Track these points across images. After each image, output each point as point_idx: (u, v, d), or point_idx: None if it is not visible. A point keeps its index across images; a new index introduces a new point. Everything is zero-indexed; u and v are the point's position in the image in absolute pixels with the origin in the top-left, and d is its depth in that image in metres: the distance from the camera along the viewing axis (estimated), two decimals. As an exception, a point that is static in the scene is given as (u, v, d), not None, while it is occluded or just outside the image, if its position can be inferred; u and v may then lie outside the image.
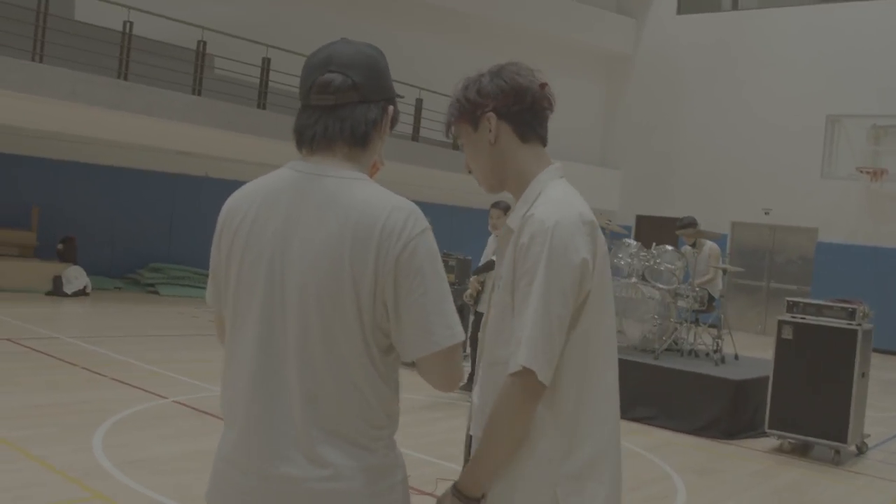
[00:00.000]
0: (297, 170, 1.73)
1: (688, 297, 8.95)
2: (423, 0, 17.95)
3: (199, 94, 13.64)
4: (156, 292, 14.78)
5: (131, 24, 12.90)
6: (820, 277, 18.07)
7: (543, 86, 1.98)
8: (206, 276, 14.96)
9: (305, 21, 16.09)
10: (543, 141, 2.01)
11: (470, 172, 2.04)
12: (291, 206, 1.69)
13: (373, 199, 1.66)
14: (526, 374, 1.74)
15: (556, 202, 1.86)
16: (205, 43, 13.79)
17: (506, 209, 7.47)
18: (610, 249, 9.59)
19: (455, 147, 12.67)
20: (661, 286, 9.08)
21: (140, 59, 13.01)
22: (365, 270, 1.61)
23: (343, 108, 1.72)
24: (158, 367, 8.33)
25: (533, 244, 1.79)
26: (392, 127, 1.83)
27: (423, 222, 1.67)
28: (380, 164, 1.86)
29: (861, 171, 17.25)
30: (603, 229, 9.85)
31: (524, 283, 1.79)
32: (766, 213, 19.01)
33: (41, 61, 12.06)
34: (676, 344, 8.95)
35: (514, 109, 1.94)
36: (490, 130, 1.95)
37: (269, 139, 13.20)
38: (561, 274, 1.77)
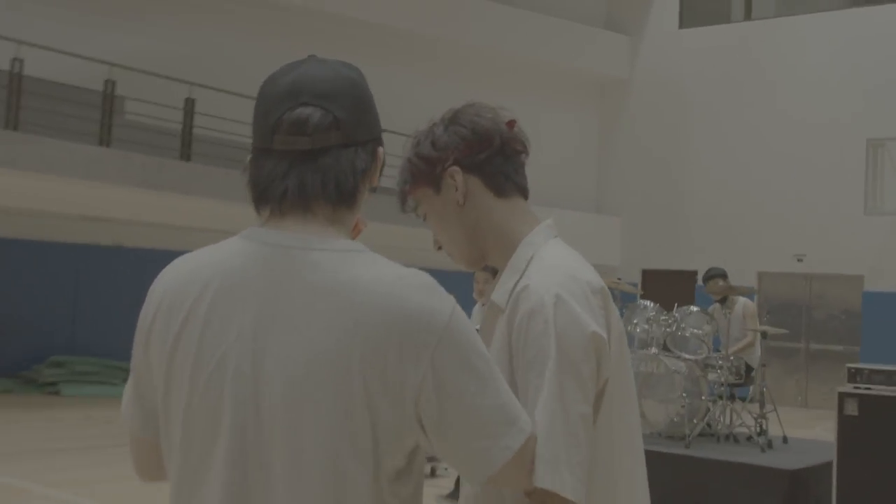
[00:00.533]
0: (264, 241, 1.58)
1: (721, 368, 8.74)
2: (380, 24, 17.98)
3: (108, 144, 13.46)
4: (57, 392, 14.31)
5: (21, 62, 12.76)
6: (870, 335, 17.92)
7: (512, 124, 1.98)
8: (120, 368, 14.36)
9: (236, 53, 15.97)
10: (524, 192, 2.01)
11: (440, 248, 2.03)
12: (265, 296, 1.53)
13: (386, 279, 1.53)
14: (548, 496, 1.65)
15: (555, 268, 1.84)
16: (113, 83, 13.67)
17: (494, 272, 7.24)
18: (622, 314, 9.44)
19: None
20: (687, 356, 8.95)
21: (33, 105, 12.81)
22: (387, 384, 1.47)
23: (324, 154, 1.60)
24: (64, 492, 7.95)
25: (533, 325, 1.76)
26: (380, 175, 1.74)
27: (449, 298, 1.56)
28: (361, 224, 1.73)
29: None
30: (612, 291, 9.78)
31: (533, 375, 1.73)
32: (798, 260, 18.98)
33: None
34: (710, 427, 8.69)
35: (480, 158, 1.94)
36: (456, 189, 1.93)
37: (197, 197, 12.98)
38: (575, 361, 1.73)
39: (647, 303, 9.51)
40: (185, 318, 1.55)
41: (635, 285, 18.88)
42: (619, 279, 9.77)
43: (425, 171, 1.95)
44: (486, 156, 1.94)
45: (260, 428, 1.49)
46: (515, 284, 1.85)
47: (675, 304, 9.53)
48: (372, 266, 1.54)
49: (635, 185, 21.32)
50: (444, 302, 1.54)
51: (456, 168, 1.93)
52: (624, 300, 9.88)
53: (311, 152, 1.59)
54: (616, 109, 21.96)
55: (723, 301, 9.38)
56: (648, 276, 20.60)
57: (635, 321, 9.24)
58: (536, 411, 1.68)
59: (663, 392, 8.70)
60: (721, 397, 8.82)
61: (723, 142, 20.08)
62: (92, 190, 13.16)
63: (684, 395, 8.58)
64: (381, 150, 1.70)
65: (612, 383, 1.81)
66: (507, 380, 1.71)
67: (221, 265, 1.58)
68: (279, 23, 16.98)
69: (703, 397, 8.70)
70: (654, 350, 9.01)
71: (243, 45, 15.99)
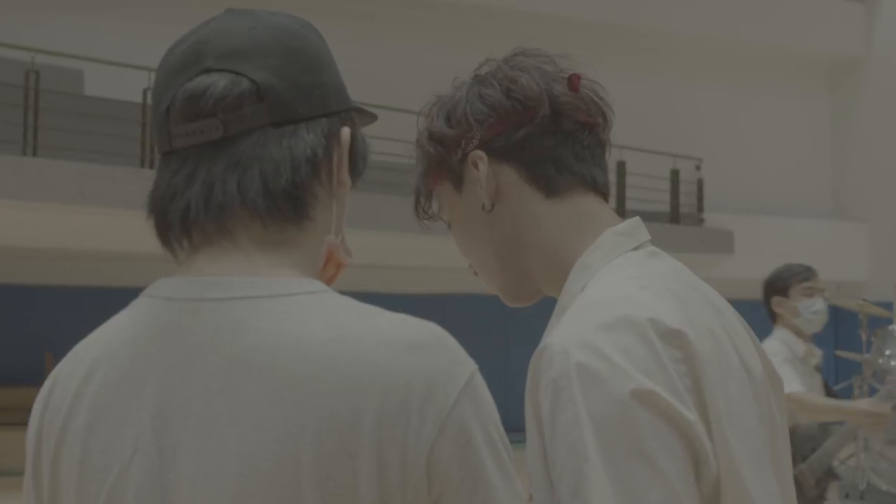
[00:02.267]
0: (166, 297, 1.28)
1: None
2: (587, 20, 18.04)
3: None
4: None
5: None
6: None
7: (576, 81, 1.59)
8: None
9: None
10: (594, 186, 1.62)
11: (477, 274, 1.73)
12: (166, 384, 1.23)
13: (353, 334, 1.20)
14: None
15: (599, 304, 1.42)
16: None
17: None
18: (870, 345, 8.76)
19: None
20: None
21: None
22: (357, 497, 1.16)
23: (239, 141, 1.28)
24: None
25: (558, 408, 1.34)
26: (358, 173, 1.42)
27: (464, 365, 1.22)
28: (340, 255, 1.40)
29: None
30: (857, 316, 9.01)
31: (567, 496, 1.32)
32: None
33: (35, 154, 12.24)
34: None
35: (519, 136, 1.58)
36: (481, 185, 1.59)
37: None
38: (634, 445, 1.30)
39: None
40: (60, 432, 1.29)
41: (889, 307, 17.90)
42: (864, 300, 8.90)
43: (439, 159, 1.63)
44: (525, 133, 1.57)
45: None
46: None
47: None
48: (333, 316, 1.23)
49: (881, 183, 20.32)
50: (453, 367, 1.22)
51: (481, 154, 1.58)
52: (872, 326, 9.01)
53: (224, 141, 1.28)
54: (851, 94, 21.21)
55: None
56: None
57: (888, 352, 8.36)
58: None
59: None
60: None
61: None
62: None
63: (978, 454, 7.97)
64: (345, 130, 1.37)
65: (736, 484, 1.37)
66: (544, 484, 1.43)
67: (109, 344, 1.31)
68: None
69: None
70: None
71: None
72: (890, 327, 8.78)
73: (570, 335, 1.40)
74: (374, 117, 1.51)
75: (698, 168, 17.94)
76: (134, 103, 12.83)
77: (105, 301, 14.76)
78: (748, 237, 17.18)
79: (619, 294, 1.46)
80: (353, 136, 1.40)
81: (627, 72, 17.30)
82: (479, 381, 1.25)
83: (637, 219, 1.60)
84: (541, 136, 1.60)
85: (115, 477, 1.24)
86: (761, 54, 19.97)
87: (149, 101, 12.35)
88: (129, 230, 11.87)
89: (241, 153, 1.30)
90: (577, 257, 1.58)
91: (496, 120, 1.60)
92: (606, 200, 1.65)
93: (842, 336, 11.59)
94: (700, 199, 17.74)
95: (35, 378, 13.48)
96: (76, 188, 11.58)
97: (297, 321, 1.23)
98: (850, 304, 8.73)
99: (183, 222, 1.31)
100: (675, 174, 17.20)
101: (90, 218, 12.10)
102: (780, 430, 1.52)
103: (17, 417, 13.12)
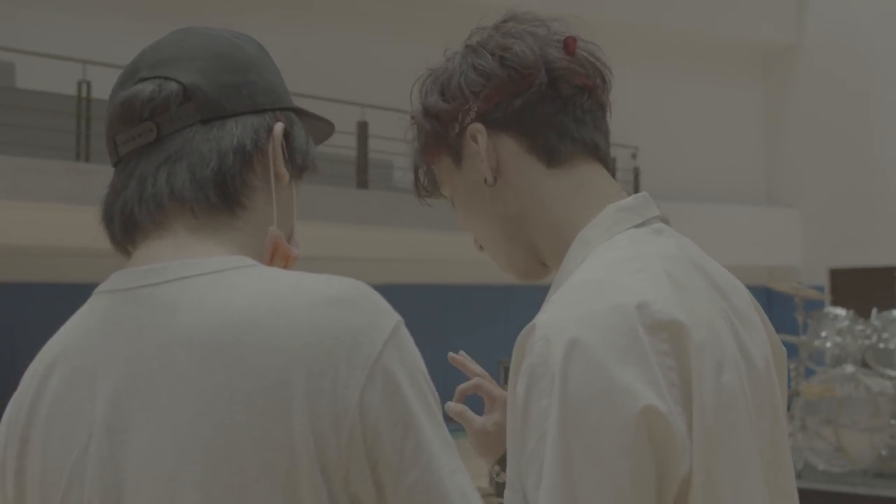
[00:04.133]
0: (109, 290, 1.35)
1: None
2: (531, 8, 18.15)
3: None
4: None
5: (88, 83, 12.93)
6: None
7: (571, 44, 1.54)
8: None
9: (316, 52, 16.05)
10: (597, 154, 1.58)
11: (482, 248, 1.69)
12: (114, 368, 1.29)
13: (277, 297, 1.24)
14: None
15: (587, 289, 1.37)
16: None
17: None
18: (806, 327, 9.14)
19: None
20: (893, 374, 8.83)
21: (104, 132, 12.85)
22: (294, 453, 1.19)
23: (171, 138, 1.35)
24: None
25: (534, 396, 1.31)
26: (300, 166, 1.47)
27: (387, 315, 1.26)
28: (289, 249, 1.45)
29: None
30: (792, 298, 9.41)
31: (530, 485, 1.31)
32: None
33: None
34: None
35: (517, 105, 1.53)
36: (481, 159, 1.54)
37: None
38: (598, 454, 1.26)
39: (838, 310, 9.48)
40: (24, 428, 1.35)
41: (821, 289, 18.43)
42: (799, 283, 9.37)
43: (435, 134, 1.58)
44: (523, 101, 1.52)
45: None
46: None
47: (874, 310, 9.30)
48: (256, 283, 1.26)
49: (814, 170, 20.76)
50: (376, 317, 1.25)
51: (479, 126, 1.53)
52: (807, 309, 9.66)
53: (157, 142, 1.36)
54: (784, 82, 21.54)
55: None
56: (837, 276, 19.99)
57: (824, 334, 9.26)
58: None
59: (866, 419, 8.61)
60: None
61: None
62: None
63: (893, 421, 8.47)
64: (279, 125, 1.42)
65: (699, 482, 1.30)
66: (520, 483, 1.39)
67: (65, 339, 1.37)
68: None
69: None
70: (850, 368, 8.85)
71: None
72: (825, 310, 9.26)
73: (555, 320, 1.37)
74: (329, 125, 1.57)
75: (634, 157, 18.33)
76: (68, 96, 12.85)
77: (34, 295, 14.74)
78: (684, 224, 17.14)
79: (612, 278, 1.41)
80: (289, 133, 1.45)
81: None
82: (405, 332, 1.28)
83: (644, 194, 1.58)
84: (539, 103, 1.55)
85: (74, 462, 1.30)
86: (695, 43, 20.26)
87: (83, 94, 12.26)
88: (64, 224, 11.95)
89: (171, 149, 1.36)
90: (578, 231, 1.54)
91: (492, 90, 1.56)
92: (608, 167, 1.62)
93: (777, 319, 11.94)
94: (636, 187, 17.99)
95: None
96: (9, 182, 11.55)
97: (224, 294, 1.28)
98: (785, 288, 9.19)
99: (122, 219, 1.38)
100: (611, 162, 17.44)
101: (23, 213, 12.14)
102: (781, 418, 1.49)
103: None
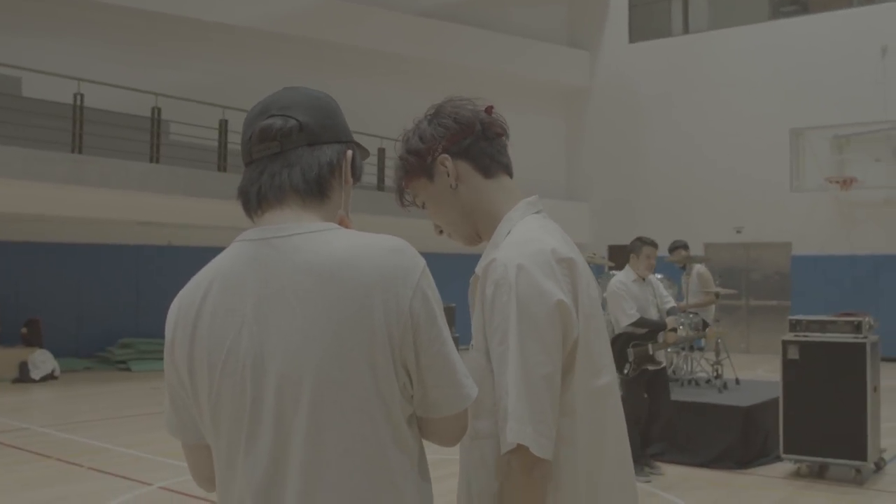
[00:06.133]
0: (251, 239, 1.46)
1: (683, 324, 8.68)
2: (380, 50, 17.89)
3: (157, 161, 13.31)
4: (127, 369, 14.27)
5: (82, 95, 12.61)
6: (799, 291, 17.98)
7: (490, 109, 1.82)
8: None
9: (260, 79, 15.77)
10: (509, 171, 1.83)
11: (441, 232, 1.87)
12: (259, 284, 1.40)
13: (358, 247, 1.40)
14: (521, 450, 1.53)
15: (523, 242, 1.66)
16: (159, 109, 13.50)
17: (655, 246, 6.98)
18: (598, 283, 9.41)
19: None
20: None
21: (93, 131, 12.68)
22: (375, 335, 1.35)
23: (290, 153, 1.49)
24: (138, 451, 7.85)
25: (498, 295, 1.60)
26: (356, 177, 1.58)
27: (421, 259, 1.43)
28: (348, 222, 1.56)
29: (830, 182, 17.24)
30: (589, 263, 9.85)
31: (496, 343, 1.58)
32: (738, 232, 18.90)
33: None
34: (675, 374, 8.68)
35: (466, 143, 1.77)
36: (448, 174, 1.77)
37: (232, 201, 12.67)
38: (536, 325, 1.57)
39: (617, 272, 9.36)
40: (194, 322, 1.44)
41: (604, 258, 18.80)
42: (594, 253, 9.75)
43: (417, 164, 1.79)
44: (470, 141, 1.78)
45: (280, 406, 1.37)
46: (490, 258, 1.69)
47: None
48: (346, 239, 1.42)
49: (599, 176, 21.21)
50: (418, 262, 1.42)
51: (445, 156, 1.77)
52: (597, 272, 9.87)
53: (280, 153, 1.49)
54: (580, 113, 21.76)
55: (683, 268, 9.37)
56: (614, 250, 20.08)
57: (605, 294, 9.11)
58: (503, 373, 1.56)
59: None
60: (682, 349, 8.85)
61: (671, 136, 19.94)
62: (145, 199, 13.08)
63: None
64: (349, 152, 1.55)
65: (582, 343, 1.63)
66: (483, 347, 1.62)
67: (218, 268, 1.46)
68: (290, 53, 16.89)
69: (669, 350, 8.54)
70: None
71: (265, 72, 15.78)
72: (609, 272, 9.58)
73: (508, 256, 1.64)
74: (367, 151, 1.66)
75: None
76: (65, 104, 12.51)
77: (38, 252, 14.22)
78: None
79: (534, 235, 1.70)
80: (353, 156, 1.57)
81: (411, 94, 17.63)
82: (428, 270, 1.43)
83: (537, 195, 1.85)
84: (478, 142, 1.79)
85: (231, 340, 1.40)
86: (516, 84, 20.14)
87: (77, 103, 11.89)
88: (60, 199, 11.80)
89: (289, 159, 1.49)
90: (503, 214, 1.79)
91: (451, 135, 1.78)
92: (512, 178, 1.85)
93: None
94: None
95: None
96: (21, 168, 11.38)
97: (325, 243, 1.41)
98: (585, 256, 9.54)
99: (258, 197, 1.49)
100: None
101: (30, 190, 11.91)
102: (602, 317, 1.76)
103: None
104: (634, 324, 6.78)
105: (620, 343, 6.81)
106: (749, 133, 18.71)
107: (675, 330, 6.89)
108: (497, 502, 1.61)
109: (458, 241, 1.86)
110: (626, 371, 6.73)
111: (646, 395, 6.92)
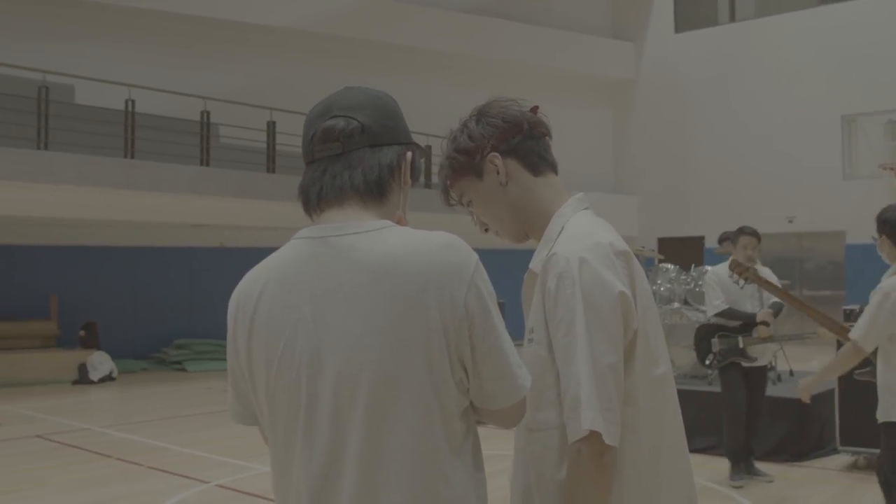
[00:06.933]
0: (308, 237, 1.48)
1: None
2: (423, 48, 17.91)
3: (208, 164, 13.52)
4: (183, 369, 14.50)
5: (133, 102, 12.84)
6: (853, 280, 17.54)
7: (535, 109, 1.85)
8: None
9: (307, 80, 15.90)
10: (555, 169, 1.86)
11: (487, 230, 1.88)
12: (315, 281, 1.43)
13: (412, 243, 1.42)
14: (593, 438, 1.56)
15: (582, 236, 1.69)
16: (208, 113, 13.70)
17: (758, 238, 6.63)
18: (647, 277, 9.30)
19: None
20: (704, 308, 8.59)
21: (145, 136, 12.91)
22: (430, 331, 1.37)
23: (352, 154, 1.50)
24: (195, 450, 7.98)
25: (561, 287, 1.63)
26: (415, 178, 1.60)
27: (474, 254, 1.45)
28: (405, 221, 1.58)
29: (884, 168, 16.85)
30: (637, 256, 9.62)
31: (562, 335, 1.62)
32: (789, 222, 18.57)
33: (46, 148, 12.00)
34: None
35: (515, 142, 1.80)
36: (498, 171, 1.79)
37: (282, 202, 13.01)
38: (600, 316, 1.61)
39: (668, 265, 9.42)
40: (253, 314, 1.47)
41: (653, 251, 18.68)
42: (643, 247, 9.63)
43: (466, 163, 1.81)
44: (518, 140, 1.80)
45: (336, 399, 1.39)
46: (548, 253, 1.71)
47: (693, 265, 9.42)
48: (401, 236, 1.43)
49: (648, 168, 20.96)
50: (471, 256, 1.44)
51: (495, 154, 1.80)
52: (647, 264, 9.78)
53: (342, 154, 1.50)
54: (626, 105, 21.55)
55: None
56: (663, 243, 20.08)
57: (659, 281, 9.20)
58: (570, 364, 1.59)
59: (687, 340, 8.38)
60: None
61: (720, 125, 19.65)
62: (197, 202, 13.26)
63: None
64: (409, 153, 1.57)
65: (641, 334, 1.67)
66: (545, 340, 1.65)
67: (276, 264, 1.49)
68: (332, 52, 17.01)
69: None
70: (676, 305, 9.00)
71: (311, 73, 15.92)
72: (660, 264, 9.49)
73: (569, 250, 1.66)
74: (425, 151, 1.78)
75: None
76: (117, 110, 12.71)
77: (94, 255, 14.45)
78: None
79: (590, 230, 1.72)
80: (413, 157, 1.58)
81: (454, 91, 17.40)
82: (481, 265, 1.45)
83: (584, 192, 1.87)
84: (525, 140, 1.81)
85: (287, 336, 1.42)
86: (562, 78, 20.11)
87: (129, 109, 12.10)
88: (115, 203, 11.97)
89: (351, 160, 1.50)
90: (553, 211, 1.80)
91: (500, 134, 1.80)
92: (557, 175, 1.87)
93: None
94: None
95: (43, 314, 13.56)
96: (75, 173, 11.60)
97: (382, 241, 1.42)
98: (634, 249, 9.36)
99: (319, 196, 1.50)
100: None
101: (85, 196, 12.13)
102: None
103: (30, 343, 13.25)
104: (722, 314, 6.46)
105: (703, 333, 6.59)
106: (800, 120, 18.36)
107: (766, 324, 6.42)
108: (561, 490, 1.63)
109: (505, 238, 1.87)
110: (707, 362, 6.48)
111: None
